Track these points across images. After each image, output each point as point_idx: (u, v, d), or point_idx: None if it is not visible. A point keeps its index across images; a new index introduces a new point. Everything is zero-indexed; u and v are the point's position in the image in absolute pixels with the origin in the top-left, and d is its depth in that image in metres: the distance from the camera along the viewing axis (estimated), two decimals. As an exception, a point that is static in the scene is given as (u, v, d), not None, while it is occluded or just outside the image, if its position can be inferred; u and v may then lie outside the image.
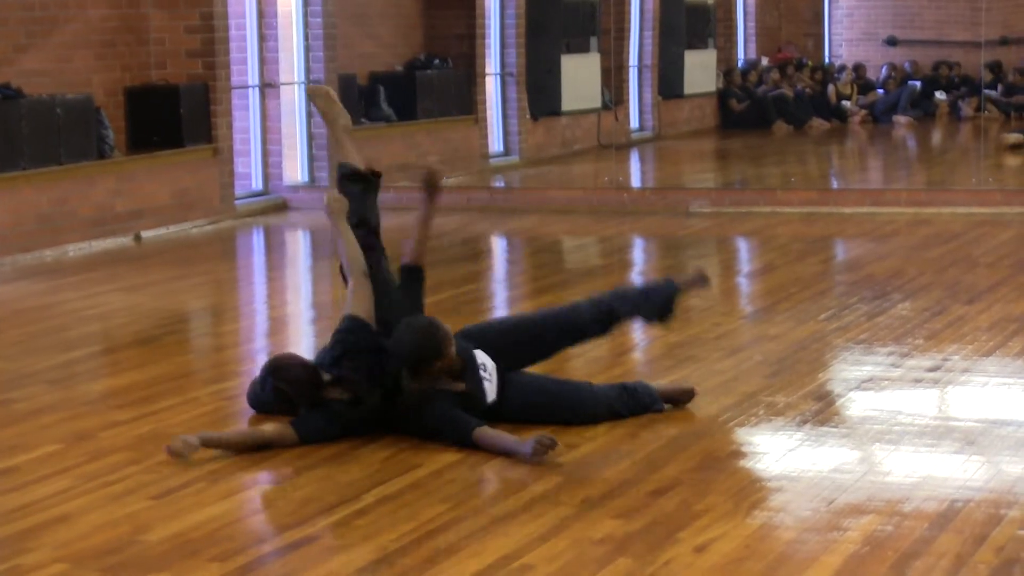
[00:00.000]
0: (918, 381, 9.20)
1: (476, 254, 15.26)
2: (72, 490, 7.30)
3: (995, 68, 23.13)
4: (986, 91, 23.03)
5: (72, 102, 15.36)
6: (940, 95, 24.40)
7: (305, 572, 6.22)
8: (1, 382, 9.64)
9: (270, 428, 8.33)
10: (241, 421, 8.87)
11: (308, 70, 18.21)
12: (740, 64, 27.09)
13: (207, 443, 8.12)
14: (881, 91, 25.94)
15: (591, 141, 23.10)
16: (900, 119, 25.21)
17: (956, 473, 7.39)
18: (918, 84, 25.28)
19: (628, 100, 24.20)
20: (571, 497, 7.08)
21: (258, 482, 7.74)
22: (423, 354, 8.01)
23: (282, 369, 8.45)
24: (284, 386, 8.39)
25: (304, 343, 10.85)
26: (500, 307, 12.86)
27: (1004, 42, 22.58)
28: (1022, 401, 8.83)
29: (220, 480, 7.52)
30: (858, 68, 26.65)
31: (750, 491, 7.30)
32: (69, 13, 15.91)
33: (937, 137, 23.25)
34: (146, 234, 15.52)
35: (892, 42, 25.64)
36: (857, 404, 8.78)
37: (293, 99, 18.21)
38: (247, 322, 12.43)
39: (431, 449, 7.87)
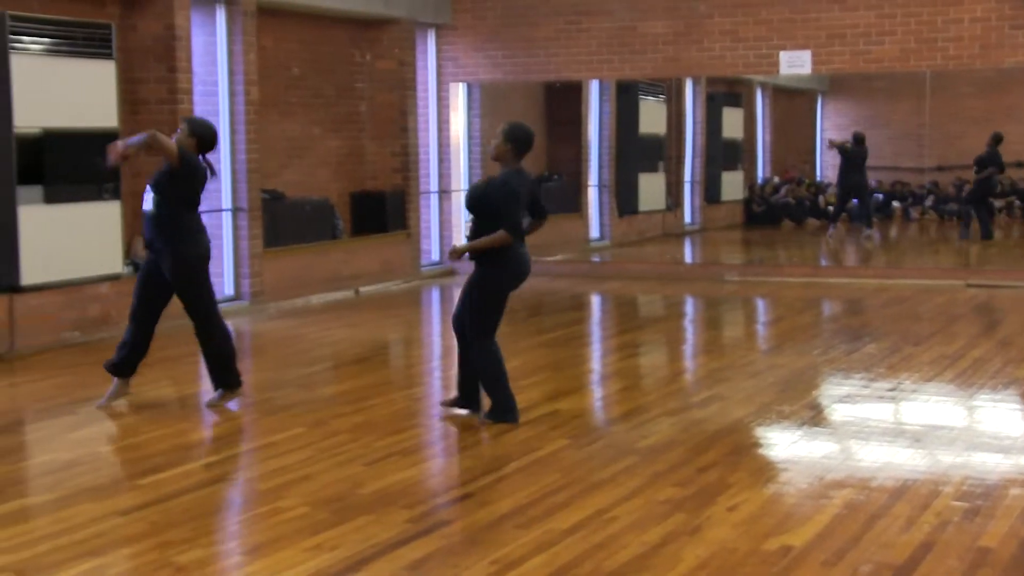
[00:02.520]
0: (881, 397, 9.10)
1: (579, 306, 15.27)
2: (311, 459, 7.38)
3: (934, 186, 22.83)
4: (926, 203, 22.77)
5: (316, 202, 15.56)
6: (896, 204, 24.07)
7: (463, 517, 6.27)
8: (266, 385, 9.73)
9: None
10: (425, 416, 8.91)
11: (470, 181, 18.29)
12: (759, 180, 26.90)
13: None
14: (856, 201, 25.67)
15: (658, 231, 23.04)
16: (867, 219, 25.02)
17: (908, 461, 7.33)
18: (880, 196, 24.99)
19: (683, 203, 24.13)
20: (644, 471, 7.08)
21: (434, 455, 7.78)
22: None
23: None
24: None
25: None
26: (595, 341, 12.84)
27: (940, 168, 22.31)
28: (952, 412, 8.73)
29: (410, 454, 7.58)
30: (839, 185, 26.43)
31: (766, 470, 7.29)
32: (315, 143, 16.13)
33: (893, 233, 22.98)
34: (363, 289, 15.63)
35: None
36: (839, 412, 8.71)
37: (460, 201, 18.28)
38: (427, 349, 12.50)
39: (550, 437, 7.89)
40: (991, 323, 12.60)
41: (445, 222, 18.05)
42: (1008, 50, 15.19)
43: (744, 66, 16.64)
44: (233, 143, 13.93)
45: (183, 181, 8.57)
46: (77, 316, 11.88)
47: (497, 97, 18.85)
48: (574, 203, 21.17)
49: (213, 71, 13.85)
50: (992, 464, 7.26)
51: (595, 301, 15.47)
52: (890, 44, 15.71)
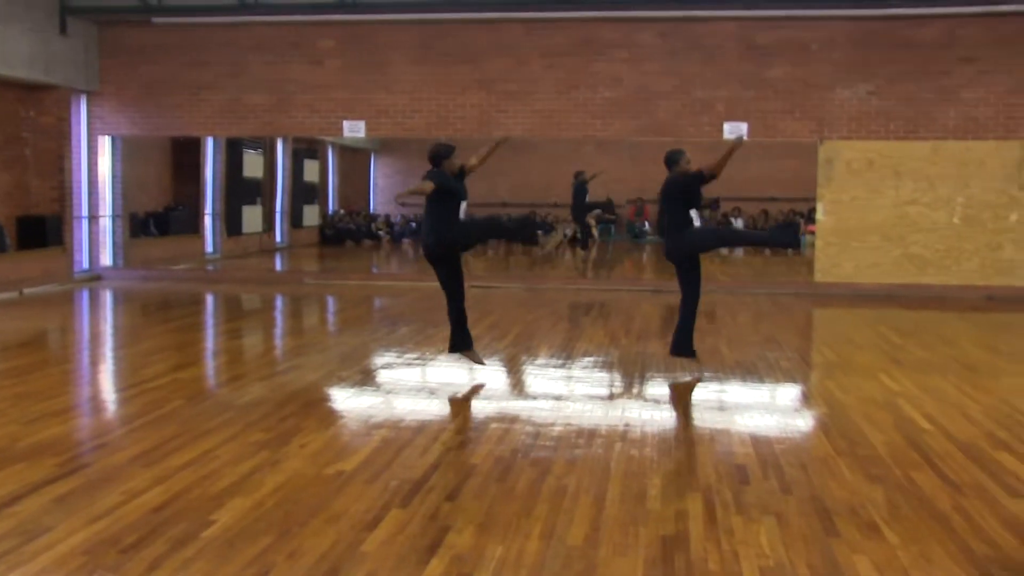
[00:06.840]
0: (410, 364, 9.26)
1: (197, 302, 14.68)
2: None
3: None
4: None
5: (-13, 222, 14.32)
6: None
7: (100, 461, 5.90)
8: (-57, 366, 8.85)
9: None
10: (74, 385, 8.35)
11: (114, 207, 17.28)
12: (330, 211, 26.88)
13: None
14: (396, 227, 26.06)
15: (257, 248, 22.57)
16: (406, 240, 25.44)
17: (426, 408, 7.50)
18: (414, 224, 25.49)
19: (275, 227, 23.79)
20: (240, 421, 6.90)
21: (79, 415, 7.29)
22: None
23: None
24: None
25: (116, 355, 10.21)
26: (209, 328, 12.39)
27: (504, 204, 22.88)
28: (457, 374, 8.96)
29: (59, 415, 7.05)
30: (388, 216, 26.77)
31: (329, 417, 7.26)
32: (-14, 177, 14.85)
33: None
34: (26, 291, 14.52)
35: (402, 204, 25.75)
36: (381, 375, 8.79)
37: (108, 224, 17.26)
38: (77, 335, 11.70)
39: (170, 399, 7.56)
40: (484, 312, 13.04)
41: (94, 240, 17.03)
42: (495, 127, 16.00)
43: (319, 130, 16.69)
44: (-84, 176, 12.63)
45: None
46: None
47: (136, 147, 17.97)
48: (194, 226, 20.58)
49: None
50: (480, 408, 7.55)
51: (209, 299, 14.98)
52: (419, 118, 16.20)
